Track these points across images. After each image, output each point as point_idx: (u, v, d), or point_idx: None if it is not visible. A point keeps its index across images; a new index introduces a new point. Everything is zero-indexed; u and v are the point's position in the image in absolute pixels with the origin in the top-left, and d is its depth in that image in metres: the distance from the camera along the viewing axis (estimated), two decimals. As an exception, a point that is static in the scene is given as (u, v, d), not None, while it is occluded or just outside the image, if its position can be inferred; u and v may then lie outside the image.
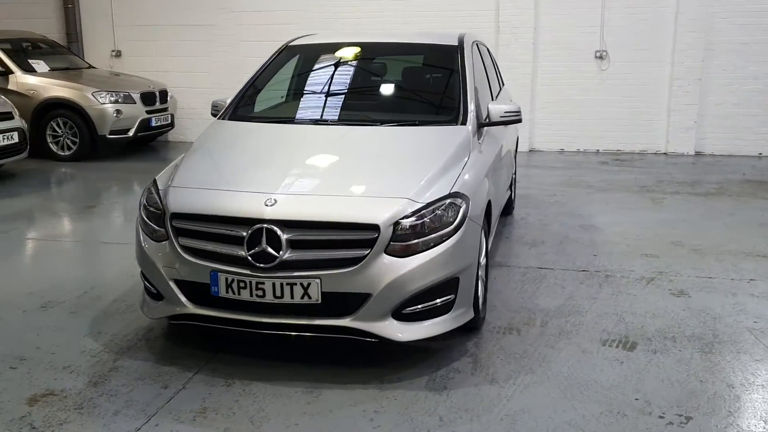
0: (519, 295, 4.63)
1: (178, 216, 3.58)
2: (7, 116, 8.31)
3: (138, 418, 3.17)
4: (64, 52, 11.16)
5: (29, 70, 9.93)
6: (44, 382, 3.50)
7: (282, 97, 5.11)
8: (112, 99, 9.74)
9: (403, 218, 3.44)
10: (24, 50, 10.36)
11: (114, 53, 12.02)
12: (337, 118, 4.69)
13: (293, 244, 3.36)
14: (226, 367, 3.62)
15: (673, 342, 3.93)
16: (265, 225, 3.35)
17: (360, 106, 4.91)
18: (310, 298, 3.37)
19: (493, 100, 5.35)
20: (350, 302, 3.41)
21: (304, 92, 5.15)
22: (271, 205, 3.42)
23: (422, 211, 3.50)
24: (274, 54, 5.21)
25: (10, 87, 9.61)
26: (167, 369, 3.61)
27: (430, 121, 4.47)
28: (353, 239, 3.40)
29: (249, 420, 3.15)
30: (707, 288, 4.78)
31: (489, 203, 4.09)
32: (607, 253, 5.60)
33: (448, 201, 3.59)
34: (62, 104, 9.68)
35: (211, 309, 3.54)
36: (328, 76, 5.14)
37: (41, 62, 10.16)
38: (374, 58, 5.38)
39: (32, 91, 9.63)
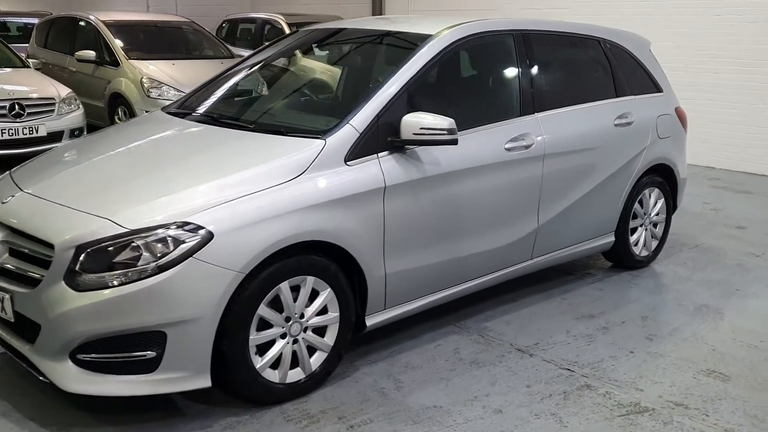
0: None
1: None
2: None
3: None
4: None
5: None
6: None
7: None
8: None
9: (91, 242, 2.70)
10: None
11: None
12: (218, 116, 3.80)
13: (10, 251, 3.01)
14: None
15: None
16: None
17: (259, 105, 4.02)
18: (5, 313, 3.01)
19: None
20: (33, 328, 2.88)
21: (238, 85, 4.29)
22: (4, 203, 3.13)
23: (124, 238, 2.72)
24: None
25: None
26: None
27: (294, 129, 3.44)
28: (35, 256, 2.89)
29: None
30: None
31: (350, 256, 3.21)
32: None
33: (169, 231, 2.73)
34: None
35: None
36: (262, 69, 4.27)
37: None
38: (324, 46, 4.37)
39: None
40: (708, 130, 8.65)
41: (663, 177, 4.97)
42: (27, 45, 11.14)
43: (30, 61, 9.21)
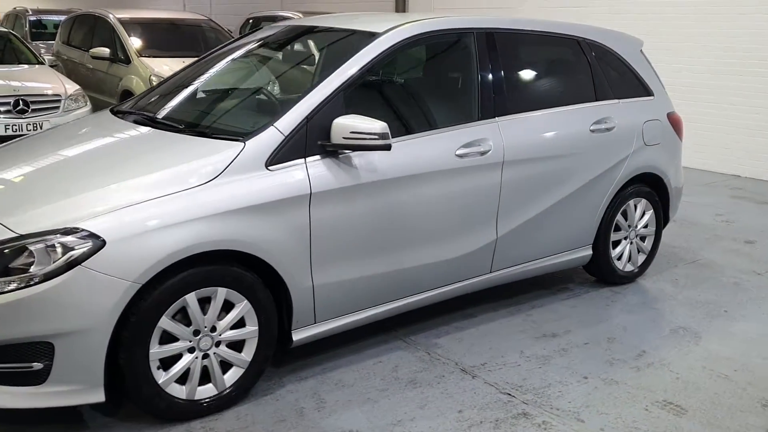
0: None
1: None
2: None
3: None
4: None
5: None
6: None
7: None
8: None
9: None
10: None
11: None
12: (155, 117, 3.61)
13: None
14: None
15: None
16: None
17: (197, 105, 3.82)
18: None
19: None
20: None
21: (186, 86, 4.07)
22: None
23: (14, 243, 2.60)
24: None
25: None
26: None
27: (220, 130, 3.26)
28: None
29: None
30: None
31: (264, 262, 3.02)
32: None
33: (59, 237, 2.59)
34: None
35: None
36: (211, 69, 4.10)
37: None
38: (275, 44, 4.16)
39: None
40: (732, 136, 8.18)
41: (652, 187, 4.65)
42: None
43: (46, 57, 9.32)
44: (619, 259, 4.57)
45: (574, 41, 4.29)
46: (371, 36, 3.52)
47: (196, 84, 3.90)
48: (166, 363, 2.89)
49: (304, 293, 3.18)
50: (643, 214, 4.64)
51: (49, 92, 7.88)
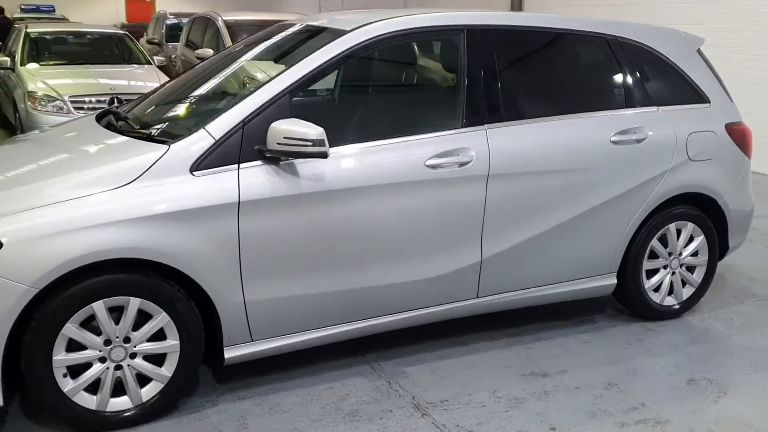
0: None
1: None
2: None
3: None
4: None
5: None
6: None
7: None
8: None
9: None
10: None
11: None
12: (123, 121, 3.45)
13: None
14: None
15: None
16: None
17: (164, 109, 3.65)
18: None
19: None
20: None
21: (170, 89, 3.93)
22: None
23: None
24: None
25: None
26: None
27: (164, 133, 3.11)
28: None
29: None
30: None
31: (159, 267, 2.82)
32: None
33: None
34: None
35: None
36: (196, 73, 3.95)
37: None
38: (257, 46, 3.89)
39: None
40: None
41: (703, 209, 3.98)
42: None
43: (155, 58, 9.78)
44: (656, 290, 3.96)
45: (601, 40, 3.74)
46: (338, 34, 3.24)
47: (179, 88, 3.79)
48: (78, 371, 2.81)
49: (235, 309, 2.97)
50: (691, 240, 3.99)
51: (144, 91, 8.23)
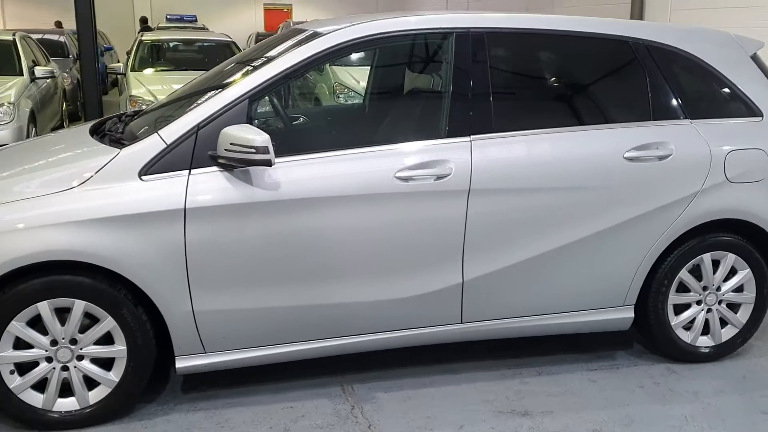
0: None
1: None
2: None
3: None
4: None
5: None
6: None
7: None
8: None
9: None
10: None
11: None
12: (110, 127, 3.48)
13: None
14: None
15: None
16: None
17: (152, 115, 3.52)
18: None
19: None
20: None
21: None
22: None
23: None
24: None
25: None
26: None
27: (134, 138, 3.05)
28: None
29: None
30: None
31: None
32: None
33: None
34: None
35: None
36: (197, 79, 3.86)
37: None
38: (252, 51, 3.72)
39: None
40: None
41: (749, 239, 3.44)
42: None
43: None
44: (688, 329, 3.48)
45: (622, 43, 3.33)
46: (309, 40, 3.10)
47: (177, 95, 3.77)
48: (28, 369, 2.85)
49: (183, 319, 2.90)
50: (733, 273, 3.46)
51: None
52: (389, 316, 3.13)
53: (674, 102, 3.35)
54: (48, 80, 8.90)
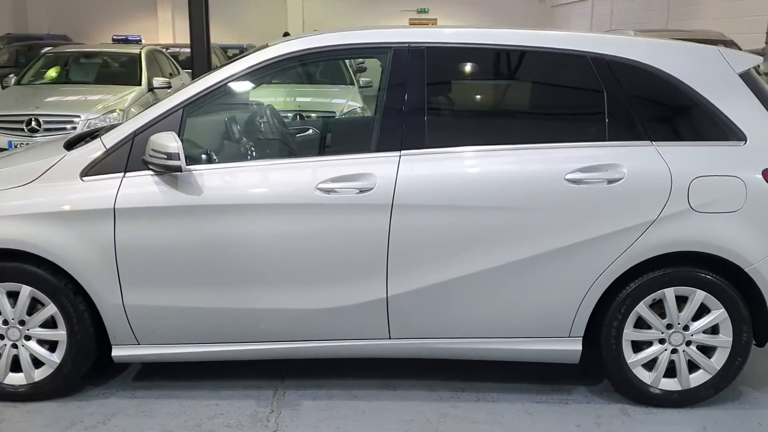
0: None
1: None
2: None
3: None
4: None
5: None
6: None
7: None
8: None
9: None
10: None
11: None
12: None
13: None
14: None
15: None
16: None
17: None
18: None
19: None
20: None
21: None
22: None
23: None
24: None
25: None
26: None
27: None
28: None
29: None
30: None
31: None
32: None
33: None
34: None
35: None
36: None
37: None
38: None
39: None
40: None
41: (725, 276, 3.10)
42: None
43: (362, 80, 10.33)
44: (650, 369, 3.19)
45: (581, 59, 3.12)
46: (257, 50, 3.22)
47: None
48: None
49: (115, 310, 3.12)
50: (705, 312, 3.13)
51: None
52: (313, 326, 3.16)
53: (635, 122, 3.10)
54: (167, 90, 9.73)
